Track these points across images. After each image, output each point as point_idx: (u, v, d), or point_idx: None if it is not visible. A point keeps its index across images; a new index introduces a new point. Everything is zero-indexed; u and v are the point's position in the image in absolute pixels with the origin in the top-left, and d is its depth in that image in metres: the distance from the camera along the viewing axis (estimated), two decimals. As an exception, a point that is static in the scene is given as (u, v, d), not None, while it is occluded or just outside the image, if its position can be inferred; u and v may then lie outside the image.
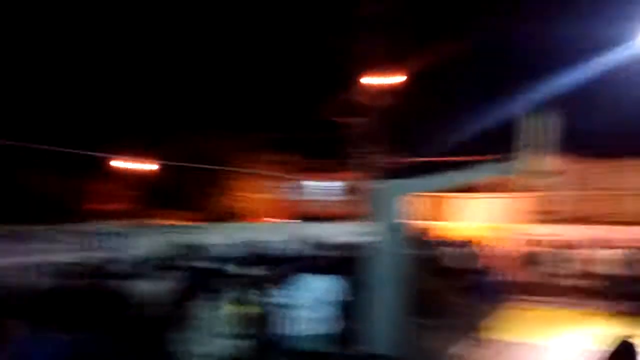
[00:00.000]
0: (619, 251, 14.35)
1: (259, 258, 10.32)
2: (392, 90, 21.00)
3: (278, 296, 7.74)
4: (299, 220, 21.35)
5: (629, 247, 14.38)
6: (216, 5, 25.18)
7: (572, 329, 11.76)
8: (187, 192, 23.86)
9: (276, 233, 12.75)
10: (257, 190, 24.80)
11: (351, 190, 29.94)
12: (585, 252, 15.35)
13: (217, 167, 18.82)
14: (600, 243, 15.44)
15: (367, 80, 19.41)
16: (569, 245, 15.96)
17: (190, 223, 20.21)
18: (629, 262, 13.75)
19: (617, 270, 13.86)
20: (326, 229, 14.89)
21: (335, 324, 7.96)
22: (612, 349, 4.50)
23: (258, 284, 7.99)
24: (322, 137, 20.96)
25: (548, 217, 21.25)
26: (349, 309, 9.44)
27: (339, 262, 11.02)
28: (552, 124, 8.74)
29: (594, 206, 25.11)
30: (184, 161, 19.10)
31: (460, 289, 9.81)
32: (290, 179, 25.84)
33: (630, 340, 4.64)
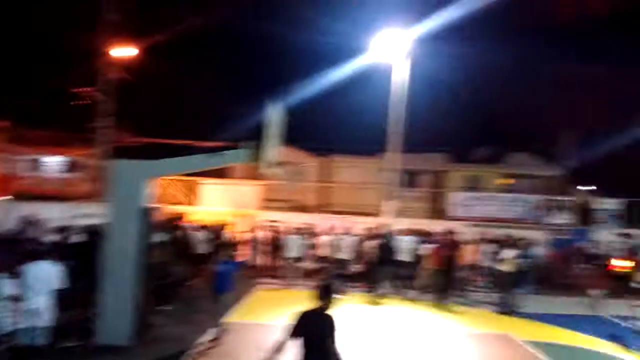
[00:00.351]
0: (350, 237, 16.29)
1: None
2: (132, 66, 20.13)
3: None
4: (12, 198, 18.74)
5: (354, 234, 16.54)
6: None
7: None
8: None
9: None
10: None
11: (80, 167, 27.58)
12: (323, 238, 16.85)
13: None
14: (336, 230, 17.18)
15: (108, 52, 18.20)
16: (306, 232, 17.39)
17: None
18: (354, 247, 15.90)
19: (344, 255, 15.81)
20: (50, 209, 13.45)
21: (60, 314, 7.34)
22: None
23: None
24: (49, 106, 18.85)
25: (286, 204, 23.15)
26: (80, 298, 8.84)
27: (68, 246, 10.20)
28: (285, 120, 9.64)
29: (327, 196, 28.40)
30: None
31: (207, 273, 10.01)
32: (9, 151, 22.51)
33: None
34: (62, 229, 11.59)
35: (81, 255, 9.77)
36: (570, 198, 20.57)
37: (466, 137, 37.22)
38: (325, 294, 5.24)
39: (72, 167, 28.41)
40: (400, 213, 19.80)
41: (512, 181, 32.72)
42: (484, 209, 21.03)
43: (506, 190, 30.61)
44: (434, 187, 30.88)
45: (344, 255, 16.08)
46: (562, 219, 19.89)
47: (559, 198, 21.13)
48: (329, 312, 5.22)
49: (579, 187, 38.99)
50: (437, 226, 17.87)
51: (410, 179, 32.11)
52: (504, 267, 13.70)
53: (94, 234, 11.24)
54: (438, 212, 27.27)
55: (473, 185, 30.99)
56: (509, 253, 13.95)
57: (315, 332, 5.09)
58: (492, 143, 33.84)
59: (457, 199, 21.31)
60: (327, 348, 5.08)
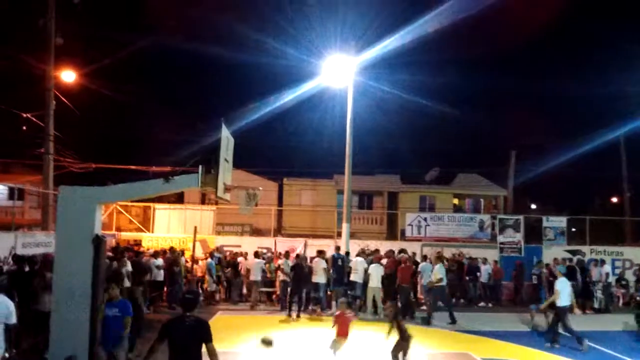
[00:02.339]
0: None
1: None
2: (79, 91, 19.77)
3: None
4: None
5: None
6: None
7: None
8: None
9: None
10: None
11: (27, 195, 26.60)
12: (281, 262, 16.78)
13: None
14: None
15: (57, 74, 17.79)
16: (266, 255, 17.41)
17: None
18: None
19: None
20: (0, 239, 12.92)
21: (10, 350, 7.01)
22: None
23: None
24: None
25: (241, 229, 23.00)
26: (28, 330, 8.51)
27: (19, 278, 9.83)
28: (231, 143, 9.67)
29: (282, 219, 28.34)
30: None
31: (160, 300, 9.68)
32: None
33: None
34: (17, 258, 11.16)
35: (24, 285, 9.44)
36: (518, 216, 21.27)
37: (418, 159, 38.18)
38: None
39: (18, 194, 27.42)
40: (355, 235, 20.02)
41: (462, 201, 33.60)
42: (437, 229, 21.46)
43: (458, 210, 31.42)
44: (388, 208, 31.36)
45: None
46: (512, 237, 20.51)
47: (508, 216, 21.83)
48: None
49: (530, 205, 40.47)
50: (391, 247, 18.11)
51: (364, 200, 32.56)
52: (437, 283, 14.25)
53: (35, 262, 10.94)
54: (393, 233, 27.66)
55: (425, 206, 31.66)
56: (439, 269, 14.47)
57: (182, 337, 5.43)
58: (442, 164, 34.76)
59: (410, 220, 21.68)
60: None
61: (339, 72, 18.25)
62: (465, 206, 33.43)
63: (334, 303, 14.85)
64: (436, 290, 14.37)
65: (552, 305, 12.01)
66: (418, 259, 17.56)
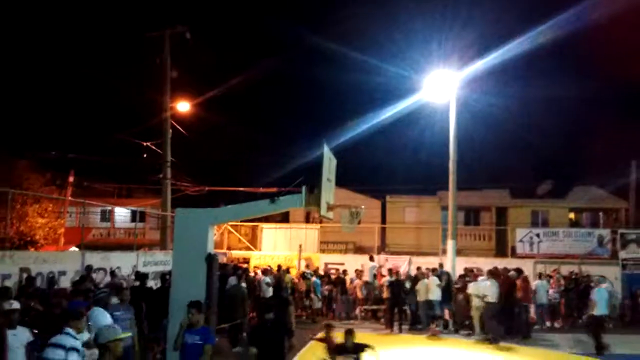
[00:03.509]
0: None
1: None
2: (191, 118, 21.16)
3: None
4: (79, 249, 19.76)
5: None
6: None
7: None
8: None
9: (66, 262, 11.72)
10: (42, 215, 22.29)
11: (147, 217, 28.72)
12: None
13: None
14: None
15: (172, 105, 19.24)
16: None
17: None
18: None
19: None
20: (120, 257, 14.08)
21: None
22: None
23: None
24: (117, 160, 20.02)
25: (345, 246, 23.32)
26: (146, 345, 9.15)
27: (141, 293, 10.63)
28: (333, 162, 9.84)
29: (386, 237, 28.34)
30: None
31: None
32: (79, 203, 23.82)
33: None
34: (138, 276, 12.10)
35: (152, 300, 10.18)
36: (643, 231, 19.53)
37: (528, 173, 36.38)
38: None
39: (140, 217, 29.69)
40: (461, 252, 19.43)
41: (579, 215, 31.45)
42: (551, 245, 20.29)
43: (574, 225, 29.42)
44: (497, 224, 30.12)
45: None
46: (636, 252, 18.86)
47: (630, 231, 20.11)
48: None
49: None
50: (500, 264, 17.35)
51: (471, 216, 31.50)
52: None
53: (163, 280, 11.78)
54: (502, 250, 26.48)
55: (537, 221, 30.00)
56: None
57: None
58: (555, 177, 32.82)
59: (521, 236, 20.65)
60: None
61: (441, 87, 18.00)
62: (582, 220, 31.24)
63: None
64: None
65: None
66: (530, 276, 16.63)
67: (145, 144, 18.74)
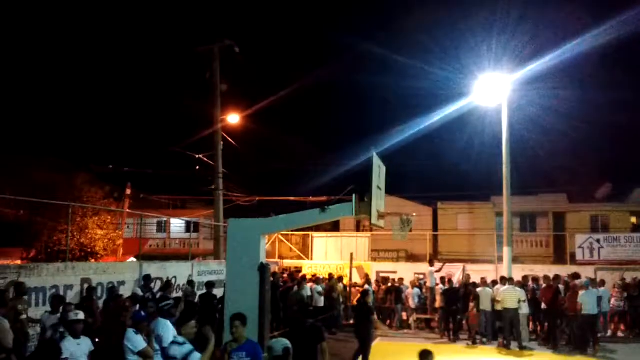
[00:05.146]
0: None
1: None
2: (245, 129, 21.53)
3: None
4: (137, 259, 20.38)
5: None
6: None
7: None
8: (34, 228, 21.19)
9: (124, 272, 12.10)
10: (101, 227, 23.18)
11: (199, 228, 29.37)
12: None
13: (59, 202, 16.95)
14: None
15: (223, 118, 19.66)
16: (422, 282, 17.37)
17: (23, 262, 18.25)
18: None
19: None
20: (178, 267, 14.44)
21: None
22: None
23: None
24: (171, 172, 20.58)
25: (397, 254, 23.06)
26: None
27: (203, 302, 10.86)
28: (383, 170, 9.76)
29: (439, 245, 27.92)
30: (17, 193, 17.00)
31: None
32: (136, 215, 24.65)
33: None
34: (167, 286, 12.36)
35: (206, 308, 10.39)
36: None
37: (585, 176, 35.08)
38: None
39: (194, 227, 30.39)
40: (517, 259, 18.88)
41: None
42: (613, 251, 19.44)
43: (636, 230, 28.08)
44: (554, 229, 29.13)
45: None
46: None
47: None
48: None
49: None
50: (559, 271, 16.75)
51: (526, 222, 30.58)
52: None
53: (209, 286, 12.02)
54: (561, 257, 25.56)
55: (597, 226, 28.83)
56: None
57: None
58: (615, 180, 31.49)
59: (581, 242, 19.88)
60: None
61: (492, 91, 17.63)
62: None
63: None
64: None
65: None
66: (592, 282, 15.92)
67: (197, 156, 19.18)
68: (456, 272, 18.42)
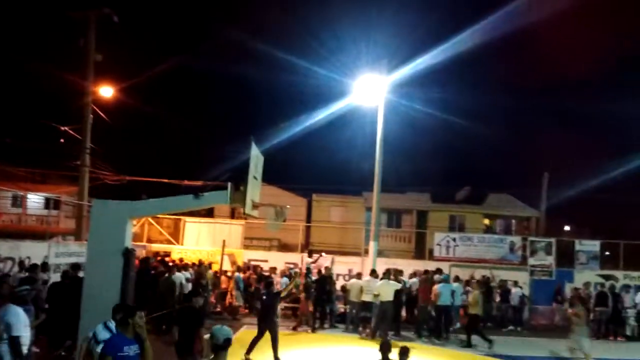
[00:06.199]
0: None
1: None
2: (118, 105, 20.34)
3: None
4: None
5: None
6: None
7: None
8: None
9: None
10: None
11: (62, 205, 27.33)
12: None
13: None
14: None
15: (95, 90, 18.38)
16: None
17: None
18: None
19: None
20: (31, 247, 13.31)
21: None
22: None
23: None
24: (31, 144, 18.83)
25: (269, 243, 23.10)
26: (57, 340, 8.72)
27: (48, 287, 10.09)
28: (261, 160, 9.81)
29: (310, 235, 28.41)
30: None
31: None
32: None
33: None
34: (34, 267, 11.44)
35: (60, 295, 9.69)
36: (550, 239, 20.82)
37: (448, 178, 37.90)
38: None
39: (54, 204, 28.23)
40: (383, 253, 19.91)
41: (493, 222, 33.07)
42: (466, 250, 21.18)
43: (488, 231, 30.93)
44: (416, 227, 31.11)
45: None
46: (543, 259, 20.07)
47: (539, 239, 21.39)
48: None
49: (564, 227, 39.49)
50: (418, 266, 17.98)
51: (393, 218, 32.38)
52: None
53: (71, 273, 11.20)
54: (421, 252, 27.40)
55: (455, 226, 31.28)
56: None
57: None
58: (473, 184, 34.36)
59: (439, 239, 21.44)
60: None
61: (370, 91, 18.32)
62: (496, 227, 32.90)
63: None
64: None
65: None
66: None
67: (63, 128, 17.81)
68: (324, 263, 18.98)
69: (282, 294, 12.09)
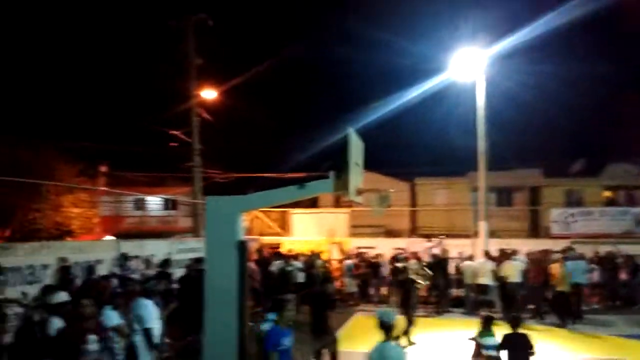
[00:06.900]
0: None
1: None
2: (221, 105, 21.24)
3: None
4: (115, 237, 20.15)
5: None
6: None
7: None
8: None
9: (103, 251, 11.95)
10: (77, 205, 22.78)
11: (179, 205, 29.15)
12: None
13: (35, 181, 16.47)
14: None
15: (198, 93, 19.34)
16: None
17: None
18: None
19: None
20: (153, 245, 14.31)
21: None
22: None
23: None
24: (147, 149, 20.24)
25: (376, 230, 23.12)
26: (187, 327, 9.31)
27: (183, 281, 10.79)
28: (360, 145, 9.73)
29: (416, 220, 28.17)
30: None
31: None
32: (113, 193, 24.32)
33: None
34: (165, 263, 12.30)
35: (185, 289, 10.34)
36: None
37: (560, 151, 35.57)
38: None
39: (171, 205, 30.13)
40: (494, 233, 19.16)
41: (615, 193, 30.66)
42: (586, 225, 19.85)
43: (609, 204, 28.71)
44: (529, 204, 29.60)
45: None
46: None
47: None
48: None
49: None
50: (534, 245, 17.08)
51: (503, 197, 31.01)
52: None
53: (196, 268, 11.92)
54: (536, 231, 26.05)
55: (572, 201, 29.38)
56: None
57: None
58: (588, 155, 32.02)
59: (556, 216, 20.23)
60: None
61: (468, 66, 17.64)
62: (618, 199, 30.46)
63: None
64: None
65: None
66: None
67: (173, 132, 18.92)
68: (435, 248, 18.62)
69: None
